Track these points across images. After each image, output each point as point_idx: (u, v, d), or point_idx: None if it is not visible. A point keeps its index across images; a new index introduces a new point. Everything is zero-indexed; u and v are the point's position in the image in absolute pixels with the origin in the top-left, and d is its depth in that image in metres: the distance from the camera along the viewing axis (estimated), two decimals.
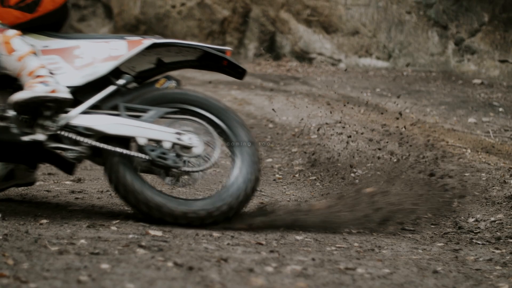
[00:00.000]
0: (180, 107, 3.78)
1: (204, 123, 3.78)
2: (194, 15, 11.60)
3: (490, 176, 5.33)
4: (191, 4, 11.59)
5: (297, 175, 5.62)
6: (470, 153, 6.12)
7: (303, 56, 11.14)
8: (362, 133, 6.53)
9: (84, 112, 3.67)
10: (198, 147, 3.71)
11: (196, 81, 9.45)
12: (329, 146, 6.27)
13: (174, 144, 3.68)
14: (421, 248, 3.74)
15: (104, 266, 2.76)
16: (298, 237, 3.69)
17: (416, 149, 6.06)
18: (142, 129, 3.65)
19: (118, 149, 3.62)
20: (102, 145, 3.61)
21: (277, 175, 5.64)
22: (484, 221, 4.39)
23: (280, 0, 11.19)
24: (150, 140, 3.66)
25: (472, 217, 4.45)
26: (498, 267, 3.44)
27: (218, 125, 3.79)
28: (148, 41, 3.79)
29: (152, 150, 3.64)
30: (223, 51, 3.92)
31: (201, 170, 3.73)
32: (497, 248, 3.86)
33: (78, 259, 2.85)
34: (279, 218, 3.83)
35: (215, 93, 8.66)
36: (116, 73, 3.76)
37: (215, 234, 3.56)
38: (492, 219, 4.41)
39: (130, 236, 3.34)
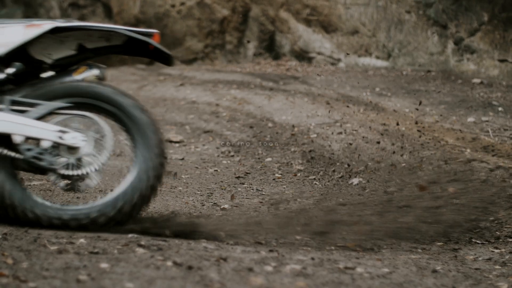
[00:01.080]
0: (78, 101, 3.50)
1: (98, 119, 3.50)
2: (194, 14, 11.59)
3: (490, 175, 5.33)
4: (191, 3, 11.59)
5: (297, 175, 5.62)
6: (469, 152, 6.12)
7: (302, 56, 11.13)
8: (361, 133, 6.53)
9: None
10: (84, 147, 3.45)
11: (196, 81, 9.44)
12: (329, 146, 6.26)
13: (56, 143, 3.43)
14: (420, 248, 3.74)
15: (104, 265, 2.76)
16: (297, 236, 3.69)
17: (415, 148, 6.06)
18: (20, 125, 3.38)
19: None
20: None
21: (276, 175, 5.63)
22: (483, 220, 4.39)
23: None
24: (28, 138, 3.40)
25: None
26: (497, 267, 3.44)
27: (122, 121, 3.52)
28: (48, 25, 3.49)
29: (29, 150, 3.40)
30: (150, 34, 3.64)
31: (83, 173, 3.44)
32: (496, 248, 3.86)
33: (77, 258, 2.85)
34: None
35: (215, 93, 8.66)
36: (8, 60, 3.48)
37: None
38: (492, 218, 4.41)
39: (130, 235, 3.34)
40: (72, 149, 3.44)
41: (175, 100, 8.39)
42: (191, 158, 6.17)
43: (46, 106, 3.47)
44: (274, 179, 5.49)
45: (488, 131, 7.12)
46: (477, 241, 3.99)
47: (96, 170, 3.46)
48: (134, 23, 11.86)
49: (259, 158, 6.16)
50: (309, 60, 11.06)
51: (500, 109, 8.11)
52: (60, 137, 3.43)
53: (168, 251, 3.07)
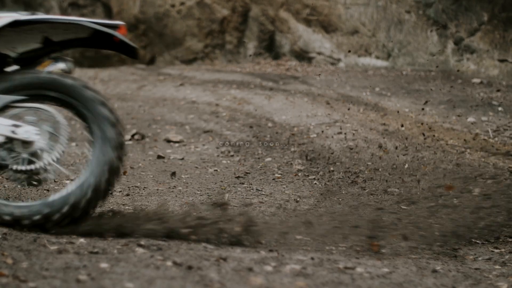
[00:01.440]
0: (34, 93, 3.41)
1: (53, 111, 3.40)
2: (194, 14, 11.59)
3: (489, 175, 5.33)
4: (191, 3, 11.59)
5: (299, 174, 5.62)
6: (469, 152, 6.12)
7: (302, 56, 11.13)
8: (361, 133, 6.53)
9: None
10: (38, 140, 3.35)
11: (196, 80, 9.44)
12: (329, 145, 6.26)
13: (9, 138, 3.33)
14: (420, 247, 3.74)
15: (103, 265, 2.76)
16: (297, 236, 3.68)
17: (416, 148, 6.06)
18: None
19: None
20: None
21: (276, 174, 5.63)
22: (483, 220, 4.38)
23: None
24: None
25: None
26: (497, 266, 3.44)
27: (80, 112, 3.40)
28: (7, 19, 3.38)
29: None
30: (116, 27, 3.53)
31: (38, 167, 3.35)
32: (496, 248, 3.86)
33: (77, 258, 2.85)
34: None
35: (214, 93, 8.66)
36: None
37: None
38: (492, 218, 4.41)
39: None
40: (26, 143, 3.36)
41: (175, 100, 8.39)
42: (191, 158, 6.17)
43: (0, 100, 3.39)
44: (274, 179, 5.48)
45: (488, 131, 7.12)
46: (477, 241, 3.99)
47: (52, 163, 3.37)
48: (134, 23, 11.86)
49: (259, 158, 6.16)
50: (309, 60, 11.06)
51: (500, 109, 8.11)
52: (13, 132, 3.35)
53: (168, 251, 3.07)
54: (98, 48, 3.67)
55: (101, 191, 3.34)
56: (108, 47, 3.59)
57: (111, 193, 3.47)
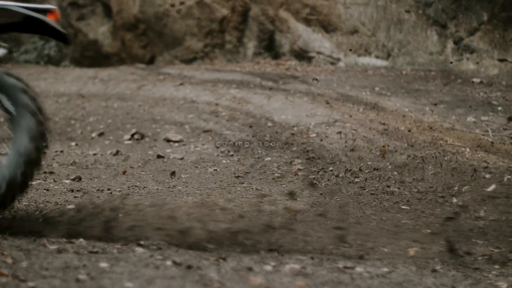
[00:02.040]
0: None
1: None
2: (193, 14, 11.59)
3: (489, 174, 5.33)
4: (190, 3, 11.58)
5: (299, 174, 5.62)
6: (469, 152, 6.12)
7: (302, 55, 11.13)
8: (361, 132, 6.53)
9: None
10: None
11: (196, 80, 9.43)
12: (328, 145, 6.26)
13: None
14: (420, 247, 3.74)
15: (103, 265, 2.76)
16: (296, 236, 3.68)
17: (415, 148, 6.06)
18: None
19: None
20: None
21: (276, 174, 5.63)
22: (484, 219, 4.39)
23: None
24: None
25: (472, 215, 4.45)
26: (497, 266, 3.43)
27: None
28: None
29: None
30: (47, 11, 3.48)
31: None
32: (496, 247, 3.86)
33: (77, 258, 2.85)
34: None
35: (214, 92, 8.65)
36: None
37: None
38: (492, 217, 4.41)
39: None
40: None
41: (174, 100, 8.39)
42: (191, 158, 6.17)
43: None
44: (273, 179, 5.48)
45: (487, 131, 7.12)
46: (477, 241, 3.99)
47: None
48: (134, 23, 11.86)
49: (258, 158, 6.16)
50: (309, 59, 11.06)
51: (499, 108, 8.11)
52: None
53: (168, 251, 3.07)
54: (32, 33, 3.60)
55: (17, 184, 3.20)
56: (40, 32, 3.53)
57: (30, 186, 3.33)
